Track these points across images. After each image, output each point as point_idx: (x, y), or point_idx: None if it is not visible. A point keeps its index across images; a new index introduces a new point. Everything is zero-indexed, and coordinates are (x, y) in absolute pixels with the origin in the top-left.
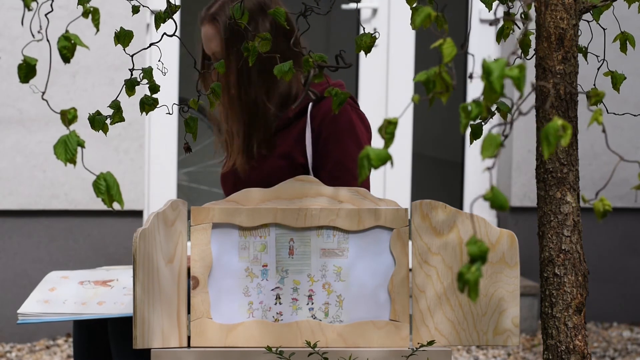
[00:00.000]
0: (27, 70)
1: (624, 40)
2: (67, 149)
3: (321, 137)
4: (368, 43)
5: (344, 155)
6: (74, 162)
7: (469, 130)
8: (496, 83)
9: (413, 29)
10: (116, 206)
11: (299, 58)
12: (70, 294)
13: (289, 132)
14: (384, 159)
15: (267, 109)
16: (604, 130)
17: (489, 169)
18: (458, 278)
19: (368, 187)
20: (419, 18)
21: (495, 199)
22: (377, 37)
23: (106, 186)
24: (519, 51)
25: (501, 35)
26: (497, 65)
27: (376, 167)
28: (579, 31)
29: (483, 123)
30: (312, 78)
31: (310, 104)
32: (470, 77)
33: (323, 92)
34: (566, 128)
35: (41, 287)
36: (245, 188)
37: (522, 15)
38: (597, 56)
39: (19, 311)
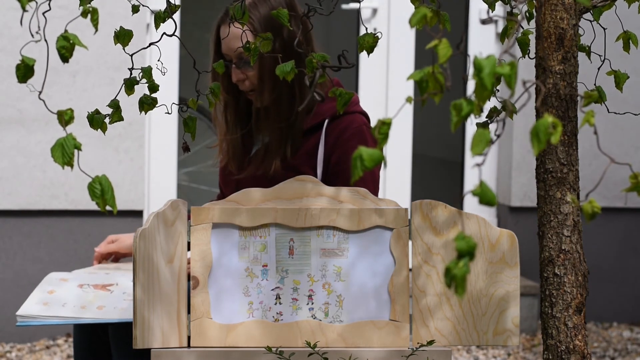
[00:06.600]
0: (25, 71)
1: (627, 39)
2: (64, 153)
3: (334, 155)
4: (371, 43)
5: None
6: (71, 165)
7: (472, 130)
8: (487, 80)
9: (418, 29)
10: (110, 209)
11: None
12: (69, 297)
13: (302, 145)
14: (377, 159)
15: (298, 113)
16: (595, 133)
17: (478, 165)
18: (445, 273)
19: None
20: (415, 18)
21: (483, 195)
22: (379, 37)
23: (101, 190)
24: (512, 49)
25: (505, 36)
26: (488, 62)
27: (369, 168)
28: (582, 30)
29: (489, 122)
30: (317, 79)
31: (327, 120)
32: (464, 79)
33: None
34: (556, 125)
35: (40, 288)
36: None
37: (527, 14)
38: (599, 55)
39: (17, 313)
